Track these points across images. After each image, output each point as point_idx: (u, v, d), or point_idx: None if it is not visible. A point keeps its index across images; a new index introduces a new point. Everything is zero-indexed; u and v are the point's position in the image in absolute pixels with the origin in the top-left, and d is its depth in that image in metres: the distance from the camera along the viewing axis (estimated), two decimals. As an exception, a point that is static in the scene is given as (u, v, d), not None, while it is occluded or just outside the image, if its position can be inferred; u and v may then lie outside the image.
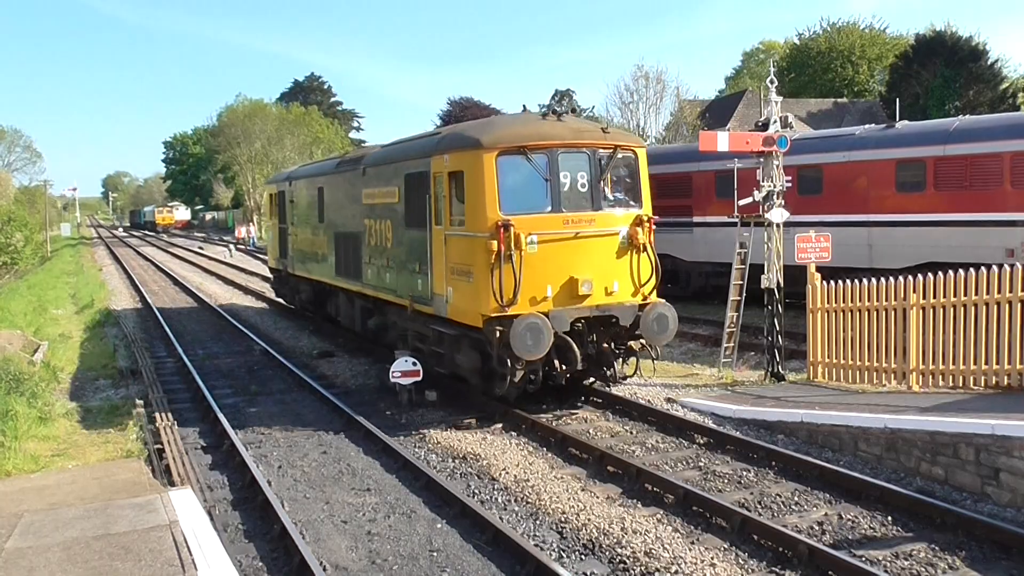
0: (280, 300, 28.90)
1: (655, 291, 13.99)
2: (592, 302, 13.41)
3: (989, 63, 56.69)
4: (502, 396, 13.60)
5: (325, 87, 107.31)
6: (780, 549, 8.65)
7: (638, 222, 13.81)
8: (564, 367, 13.44)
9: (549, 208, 13.28)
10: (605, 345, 13.84)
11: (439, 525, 9.68)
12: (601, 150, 13.75)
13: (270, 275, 31.12)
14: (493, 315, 12.81)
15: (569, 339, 13.15)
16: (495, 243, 12.76)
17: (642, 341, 13.91)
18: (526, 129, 13.50)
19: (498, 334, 12.73)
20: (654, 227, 14.08)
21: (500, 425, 13.64)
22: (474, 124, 15.04)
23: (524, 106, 16.16)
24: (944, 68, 55.29)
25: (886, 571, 8.18)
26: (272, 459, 12.34)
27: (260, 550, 9.16)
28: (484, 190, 13.02)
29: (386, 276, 16.62)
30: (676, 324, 13.89)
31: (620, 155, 13.98)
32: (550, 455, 12.17)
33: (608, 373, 14.16)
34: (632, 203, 14.10)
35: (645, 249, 13.85)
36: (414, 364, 14.77)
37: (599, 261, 13.51)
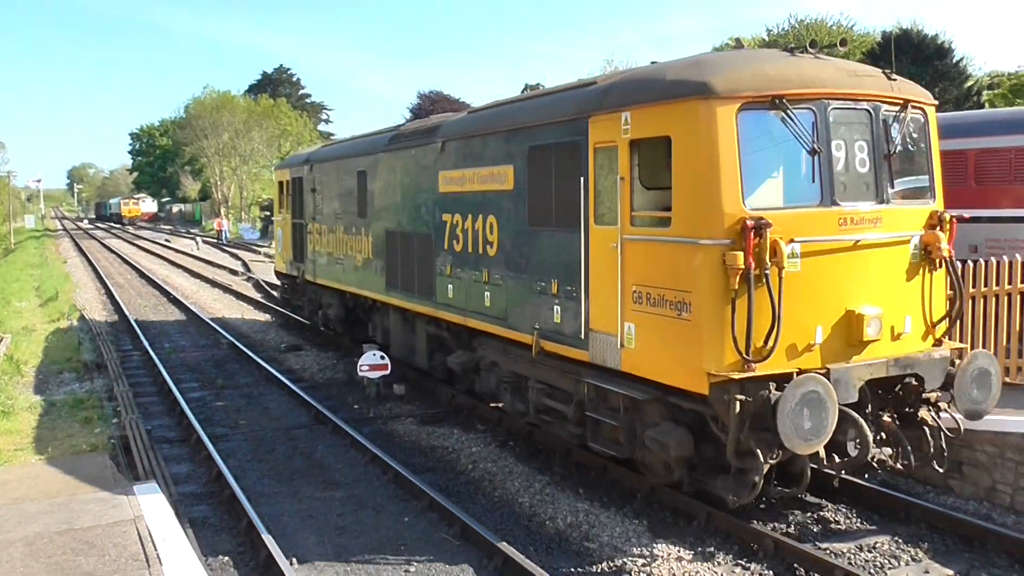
0: (290, 314, 23.54)
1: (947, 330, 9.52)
2: (883, 352, 8.75)
3: (955, 61, 57.49)
4: (734, 505, 8.76)
5: (294, 79, 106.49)
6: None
7: (934, 222, 9.26)
8: (841, 458, 8.85)
9: (817, 200, 8.52)
10: (888, 418, 9.12)
11: (407, 519, 9.68)
12: (887, 106, 9.05)
13: (277, 281, 25.69)
14: (729, 374, 8.03)
15: (854, 413, 8.41)
16: (739, 256, 7.95)
17: (944, 409, 9.29)
18: (780, 68, 8.62)
19: (739, 407, 8.02)
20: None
21: (468, 419, 13.64)
22: (678, 63, 9.28)
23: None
24: (910, 65, 55.95)
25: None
26: (239, 453, 12.26)
27: (227, 544, 9.11)
28: (717, 167, 8.11)
29: (483, 296, 11.83)
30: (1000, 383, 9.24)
31: (910, 115, 9.25)
32: (517, 448, 12.19)
33: (894, 461, 9.26)
34: (925, 193, 9.48)
35: (943, 265, 9.31)
36: (382, 358, 14.71)
37: (886, 285, 8.86)
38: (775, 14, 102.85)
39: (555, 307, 10.26)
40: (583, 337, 9.70)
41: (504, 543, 8.54)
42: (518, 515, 9.76)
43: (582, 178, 9.60)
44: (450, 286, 12.84)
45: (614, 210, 9.20)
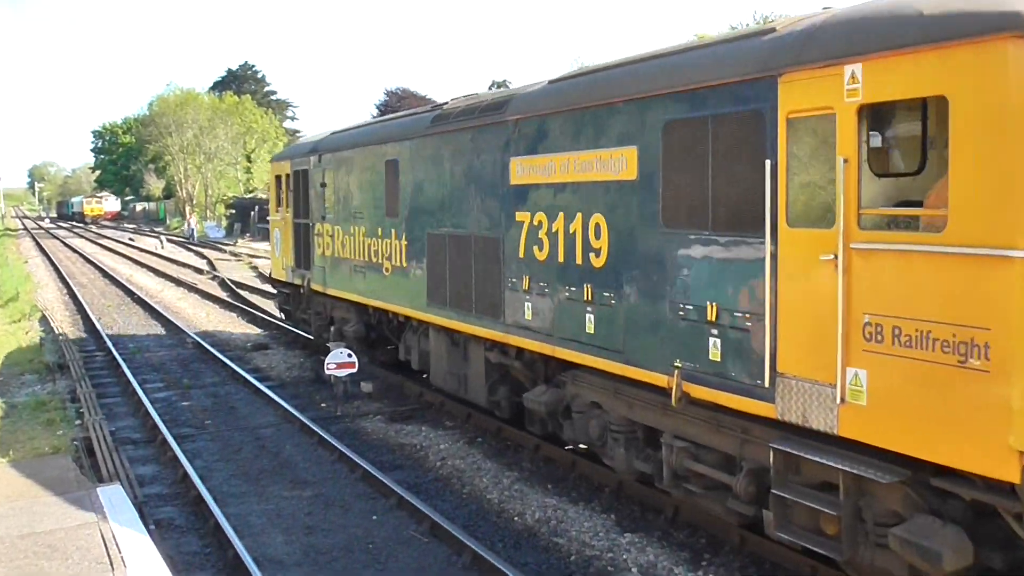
0: (293, 328, 20.53)
1: None
2: None
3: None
4: None
5: (259, 76, 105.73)
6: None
7: None
8: None
9: None
10: None
11: (375, 517, 9.65)
12: None
13: (272, 289, 23.00)
14: None
15: None
16: None
17: None
18: None
19: None
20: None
21: (436, 416, 13.62)
22: None
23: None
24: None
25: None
26: (205, 453, 12.16)
27: (193, 545, 9.04)
28: None
29: (583, 319, 9.27)
30: None
31: None
32: (486, 445, 12.19)
33: None
34: None
35: None
36: (349, 356, 14.64)
37: None
38: (740, 12, 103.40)
39: (712, 340, 7.60)
40: (765, 383, 7.03)
41: (473, 540, 8.54)
42: (487, 511, 9.77)
43: (767, 162, 6.94)
44: (527, 304, 10.25)
45: (826, 206, 6.65)
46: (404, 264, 13.38)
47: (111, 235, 75.02)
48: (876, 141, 6.93)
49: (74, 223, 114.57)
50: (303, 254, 17.91)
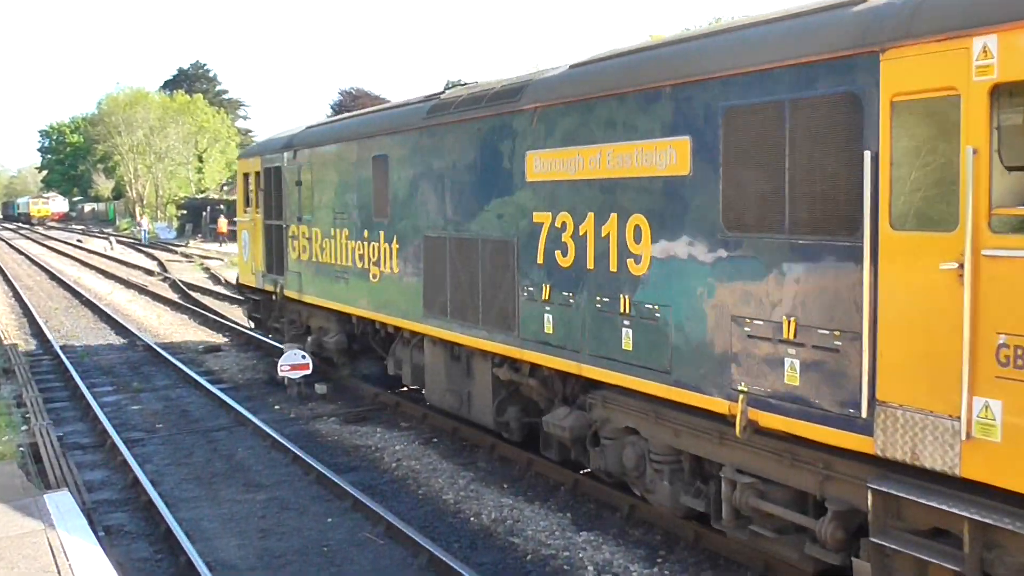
0: (263, 338, 18.92)
1: None
2: None
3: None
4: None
5: (210, 75, 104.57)
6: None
7: None
8: None
9: None
10: None
11: (331, 519, 9.58)
12: None
13: (230, 292, 21.13)
14: None
15: None
16: None
17: None
18: None
19: None
20: None
21: (392, 417, 13.56)
22: None
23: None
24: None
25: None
26: (156, 457, 11.99)
27: (143, 552, 8.90)
28: None
29: (619, 334, 8.24)
30: None
31: None
32: (442, 445, 12.15)
33: None
34: None
35: None
36: (303, 357, 14.52)
37: None
38: (696, 15, 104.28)
39: (788, 361, 6.60)
40: (861, 413, 6.05)
41: (429, 541, 8.51)
42: (443, 512, 9.74)
43: (866, 152, 5.93)
44: (548, 316, 9.15)
45: (945, 206, 5.67)
46: (395, 270, 12.26)
47: (59, 236, 73.60)
48: (1011, 127, 5.60)
49: (20, 224, 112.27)
50: (275, 258, 16.58)
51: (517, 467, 11.01)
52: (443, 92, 11.88)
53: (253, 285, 18.03)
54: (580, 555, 8.41)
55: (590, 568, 8.16)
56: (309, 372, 14.61)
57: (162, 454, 12.18)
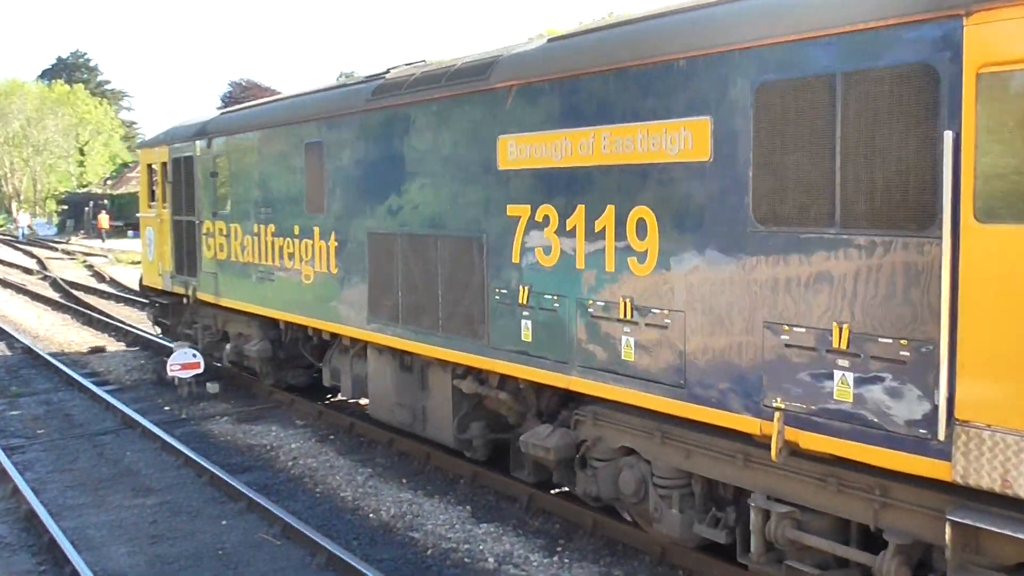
0: (169, 344, 16.42)
1: None
2: None
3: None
4: None
5: (91, 65, 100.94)
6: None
7: None
8: None
9: None
10: None
11: (225, 522, 9.36)
12: None
13: (144, 299, 19.32)
14: None
15: None
16: None
17: None
18: None
19: None
20: None
21: (287, 414, 13.34)
22: None
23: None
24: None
25: None
26: (38, 465, 11.50)
27: (26, 564, 8.52)
28: None
29: (618, 343, 7.31)
30: None
31: None
32: (338, 442, 12.02)
33: None
34: None
35: None
36: (194, 356, 14.14)
37: None
38: (594, 9, 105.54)
39: (839, 374, 5.74)
40: (939, 435, 5.23)
41: (327, 539, 8.41)
42: (341, 509, 9.63)
43: (947, 133, 5.05)
44: (526, 322, 8.14)
45: None
46: (333, 270, 11.07)
47: (-72, 234, 69.88)
48: None
49: None
50: (186, 258, 15.08)
51: (416, 461, 10.97)
52: (387, 72, 10.69)
53: (160, 287, 16.53)
54: (480, 547, 8.44)
55: (491, 559, 8.19)
56: (200, 371, 14.24)
57: (44, 461, 11.70)
